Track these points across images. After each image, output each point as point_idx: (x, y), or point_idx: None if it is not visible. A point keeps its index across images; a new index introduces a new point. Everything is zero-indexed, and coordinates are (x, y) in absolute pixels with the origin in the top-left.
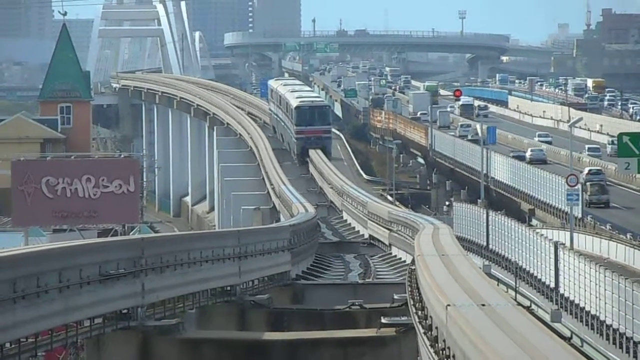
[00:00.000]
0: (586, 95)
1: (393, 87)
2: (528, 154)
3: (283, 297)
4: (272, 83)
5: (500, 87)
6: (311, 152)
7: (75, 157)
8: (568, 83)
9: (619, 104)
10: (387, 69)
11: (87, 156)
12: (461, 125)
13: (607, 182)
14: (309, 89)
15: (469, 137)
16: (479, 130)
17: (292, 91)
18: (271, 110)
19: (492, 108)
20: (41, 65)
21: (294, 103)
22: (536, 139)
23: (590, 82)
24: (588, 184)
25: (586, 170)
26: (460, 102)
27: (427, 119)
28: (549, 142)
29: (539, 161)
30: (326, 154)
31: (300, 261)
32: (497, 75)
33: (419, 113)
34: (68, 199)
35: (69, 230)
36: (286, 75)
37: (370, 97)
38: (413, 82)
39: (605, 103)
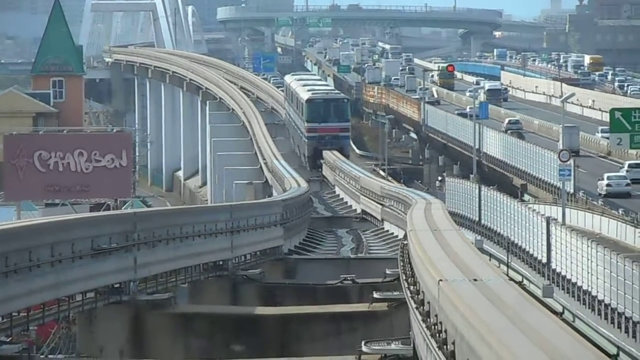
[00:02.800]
0: (579, 71)
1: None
2: (468, 111)
3: (275, 271)
4: (287, 78)
5: (493, 63)
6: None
7: (68, 131)
8: (567, 59)
9: (629, 86)
10: (387, 46)
11: (79, 130)
12: (420, 89)
13: (523, 130)
14: (325, 82)
15: (427, 99)
16: (434, 93)
17: (303, 85)
18: (286, 110)
19: (472, 80)
20: (34, 39)
21: (305, 96)
22: (599, 134)
23: (587, 59)
24: (509, 131)
25: (506, 121)
26: (487, 87)
27: (397, 84)
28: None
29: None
30: (344, 156)
31: (293, 236)
32: (495, 50)
33: (392, 79)
34: (60, 173)
35: (61, 204)
36: (279, 50)
37: (352, 67)
38: (416, 61)
39: (616, 84)
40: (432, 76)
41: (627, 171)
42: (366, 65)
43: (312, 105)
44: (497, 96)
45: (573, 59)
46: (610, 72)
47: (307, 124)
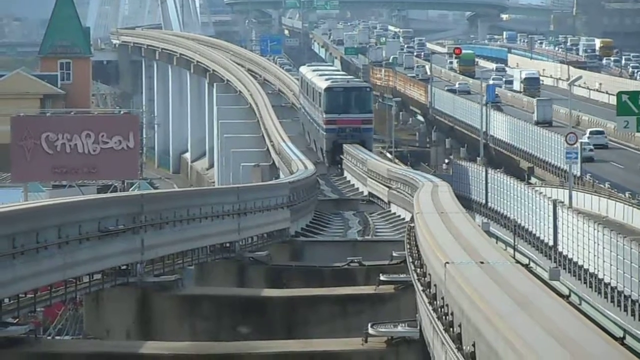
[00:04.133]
0: (588, 54)
1: (416, 54)
2: (457, 87)
3: (282, 253)
4: (302, 70)
5: (500, 45)
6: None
7: (75, 113)
8: (577, 43)
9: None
10: (399, 30)
11: (86, 112)
12: (417, 67)
13: (502, 103)
14: (343, 73)
15: (420, 77)
16: (427, 70)
17: (320, 75)
18: (301, 105)
19: (490, 66)
20: (41, 21)
21: (323, 85)
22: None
23: (598, 42)
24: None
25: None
26: (524, 75)
27: (395, 63)
28: None
29: (463, 92)
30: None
31: (300, 218)
32: (505, 33)
33: (390, 57)
34: (67, 155)
35: (68, 186)
36: (286, 32)
37: (355, 46)
38: (428, 45)
39: (630, 69)
40: (451, 62)
41: (588, 137)
42: (368, 45)
43: (331, 95)
44: (535, 85)
45: (585, 43)
46: (624, 58)
47: (326, 115)
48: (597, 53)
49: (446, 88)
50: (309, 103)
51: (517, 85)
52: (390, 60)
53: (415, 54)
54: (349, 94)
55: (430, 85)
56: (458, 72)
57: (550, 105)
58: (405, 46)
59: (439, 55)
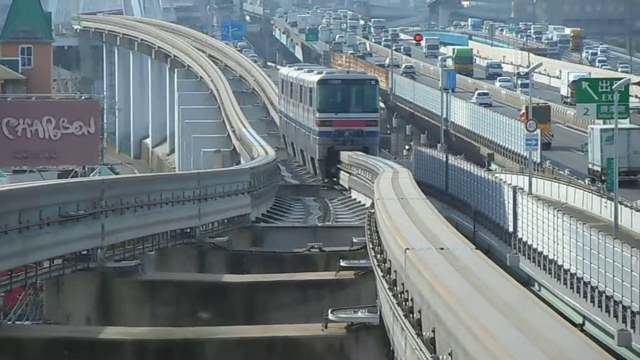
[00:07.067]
0: (557, 42)
1: (397, 48)
2: (386, 62)
3: (242, 239)
4: (283, 70)
5: (461, 32)
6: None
7: (36, 98)
8: (541, 31)
9: (602, 65)
10: (371, 20)
11: (47, 97)
12: (359, 44)
13: (417, 74)
14: (335, 69)
15: (361, 53)
16: (367, 47)
17: (308, 71)
18: (281, 112)
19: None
20: (2, 6)
21: (315, 78)
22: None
23: (568, 31)
24: (404, 74)
25: (403, 65)
26: (572, 77)
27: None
28: None
29: (394, 66)
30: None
31: (260, 204)
32: (470, 20)
33: (337, 37)
34: (28, 140)
35: (29, 171)
36: (247, 18)
37: (307, 28)
38: (402, 36)
39: (597, 64)
40: (444, 60)
41: (477, 98)
42: (319, 26)
43: (325, 89)
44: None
45: (557, 33)
46: (599, 49)
47: (319, 114)
48: (569, 43)
49: (376, 63)
50: (293, 106)
51: (564, 90)
52: (337, 40)
53: (394, 47)
54: (349, 88)
55: (390, 72)
56: (454, 70)
57: (455, 74)
58: (383, 39)
59: (415, 48)
